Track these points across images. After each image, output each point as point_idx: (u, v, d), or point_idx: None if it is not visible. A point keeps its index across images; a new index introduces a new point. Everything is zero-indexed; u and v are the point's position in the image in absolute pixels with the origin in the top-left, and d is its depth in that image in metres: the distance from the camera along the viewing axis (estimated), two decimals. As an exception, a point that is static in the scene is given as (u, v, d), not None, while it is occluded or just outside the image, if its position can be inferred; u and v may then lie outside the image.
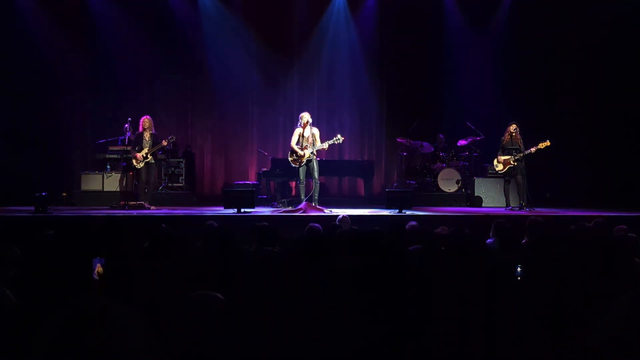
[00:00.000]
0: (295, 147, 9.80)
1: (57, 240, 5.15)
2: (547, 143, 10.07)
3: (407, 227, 5.95)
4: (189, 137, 13.26)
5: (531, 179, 10.45)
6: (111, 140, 11.73)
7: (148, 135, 10.34)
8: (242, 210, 9.22)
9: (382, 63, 13.41)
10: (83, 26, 12.44)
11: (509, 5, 13.14)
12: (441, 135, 12.81)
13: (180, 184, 12.10)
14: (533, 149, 10.12)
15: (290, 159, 9.90)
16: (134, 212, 9.20)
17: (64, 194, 10.76)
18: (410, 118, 12.45)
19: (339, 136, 9.84)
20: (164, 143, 10.38)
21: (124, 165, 10.92)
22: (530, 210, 9.96)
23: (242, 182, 12.21)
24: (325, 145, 9.79)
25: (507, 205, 10.49)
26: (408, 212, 9.37)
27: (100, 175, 11.28)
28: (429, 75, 13.27)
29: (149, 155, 10.27)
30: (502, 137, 10.42)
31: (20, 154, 11.73)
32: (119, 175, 11.17)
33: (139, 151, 10.27)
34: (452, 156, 12.46)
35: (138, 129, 10.47)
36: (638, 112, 12.28)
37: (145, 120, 10.42)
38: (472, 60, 13.24)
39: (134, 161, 10.26)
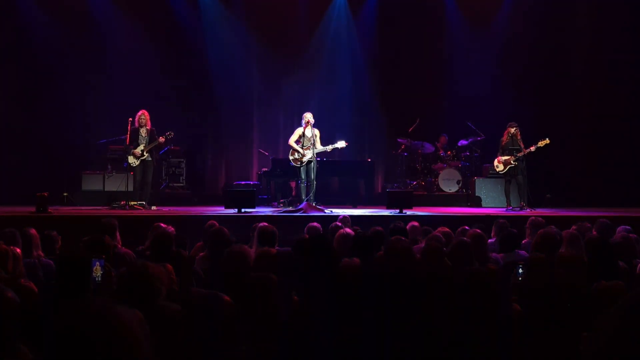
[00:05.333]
0: (296, 146, 9.84)
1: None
2: (547, 141, 10.06)
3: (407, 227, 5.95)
4: (189, 137, 13.24)
5: (532, 180, 10.44)
6: (112, 140, 11.72)
7: (145, 131, 9.81)
8: (243, 210, 9.22)
9: (382, 63, 13.40)
10: (84, 26, 12.43)
11: (510, 5, 13.13)
12: (445, 136, 12.83)
13: (181, 184, 12.10)
14: (533, 148, 10.12)
15: (291, 157, 9.94)
16: (135, 213, 9.18)
17: (65, 194, 10.76)
18: (411, 118, 12.44)
19: (343, 142, 9.95)
20: (161, 140, 9.77)
21: (125, 165, 10.85)
22: (531, 210, 9.95)
23: (243, 182, 12.21)
24: (329, 148, 9.90)
25: (508, 205, 10.48)
26: (409, 212, 9.36)
27: (101, 175, 11.27)
28: (429, 75, 13.25)
29: (145, 153, 9.78)
30: (501, 138, 10.41)
31: (22, 153, 11.74)
32: (120, 175, 11.14)
33: (136, 148, 9.78)
34: (452, 156, 12.45)
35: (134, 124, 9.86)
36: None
37: (142, 115, 9.81)
38: (473, 60, 13.22)
39: (129, 158, 9.78)
